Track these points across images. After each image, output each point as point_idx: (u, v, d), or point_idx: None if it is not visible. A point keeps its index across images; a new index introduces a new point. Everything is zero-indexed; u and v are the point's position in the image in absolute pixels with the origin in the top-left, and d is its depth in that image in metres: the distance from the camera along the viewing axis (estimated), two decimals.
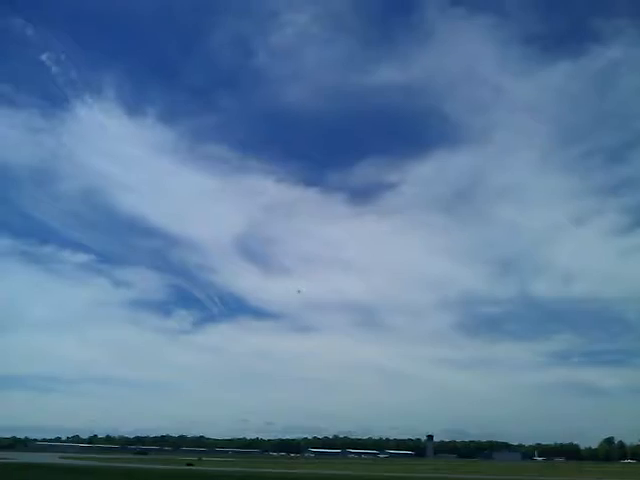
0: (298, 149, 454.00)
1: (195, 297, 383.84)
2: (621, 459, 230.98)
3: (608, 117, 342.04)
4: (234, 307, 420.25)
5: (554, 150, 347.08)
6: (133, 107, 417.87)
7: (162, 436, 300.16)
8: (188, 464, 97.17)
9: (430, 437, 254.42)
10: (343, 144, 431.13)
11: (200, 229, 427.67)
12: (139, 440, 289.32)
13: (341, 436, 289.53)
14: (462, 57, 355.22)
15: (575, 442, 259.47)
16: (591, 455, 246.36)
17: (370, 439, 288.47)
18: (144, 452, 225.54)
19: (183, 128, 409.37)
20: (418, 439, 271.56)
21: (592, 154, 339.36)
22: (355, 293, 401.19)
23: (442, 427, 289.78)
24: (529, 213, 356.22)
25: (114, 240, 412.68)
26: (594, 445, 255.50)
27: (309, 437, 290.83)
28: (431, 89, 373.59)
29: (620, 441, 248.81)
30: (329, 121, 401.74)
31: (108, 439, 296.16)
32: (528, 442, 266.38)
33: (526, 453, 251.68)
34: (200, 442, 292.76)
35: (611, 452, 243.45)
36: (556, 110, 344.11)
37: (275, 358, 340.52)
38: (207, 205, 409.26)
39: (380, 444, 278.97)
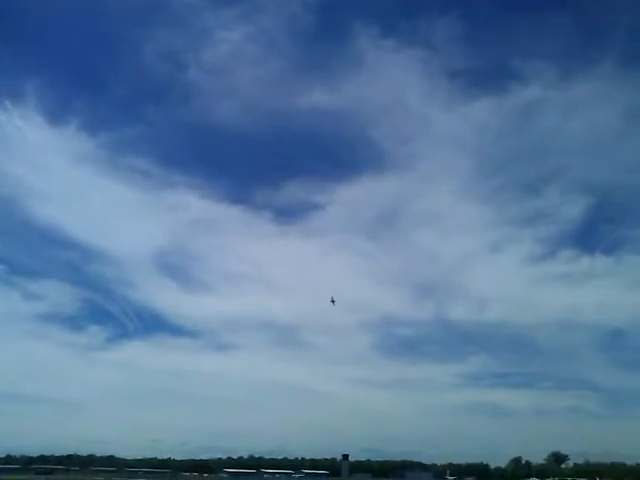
0: (225, 166, 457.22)
1: (110, 312, 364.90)
2: (527, 477, 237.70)
3: (525, 152, 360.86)
4: (151, 324, 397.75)
5: (474, 181, 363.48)
6: (55, 115, 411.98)
7: (69, 455, 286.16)
8: None
9: (345, 457, 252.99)
10: (271, 163, 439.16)
11: (118, 242, 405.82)
12: (43, 459, 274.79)
13: (256, 456, 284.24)
14: (390, 87, 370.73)
15: (485, 462, 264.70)
16: (500, 474, 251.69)
17: (285, 459, 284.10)
18: (49, 472, 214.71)
19: (106, 139, 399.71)
20: (334, 458, 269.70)
21: (509, 186, 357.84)
22: (277, 312, 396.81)
23: (359, 446, 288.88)
24: (448, 240, 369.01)
25: (28, 251, 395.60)
26: (503, 464, 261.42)
27: (223, 457, 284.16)
28: (360, 115, 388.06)
29: (527, 460, 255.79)
30: (258, 140, 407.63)
31: (9, 459, 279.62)
32: (441, 461, 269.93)
33: (438, 472, 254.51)
34: (110, 462, 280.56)
35: (518, 471, 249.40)
36: (477, 143, 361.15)
37: (192, 376, 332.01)
38: (127, 218, 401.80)
39: (295, 464, 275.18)
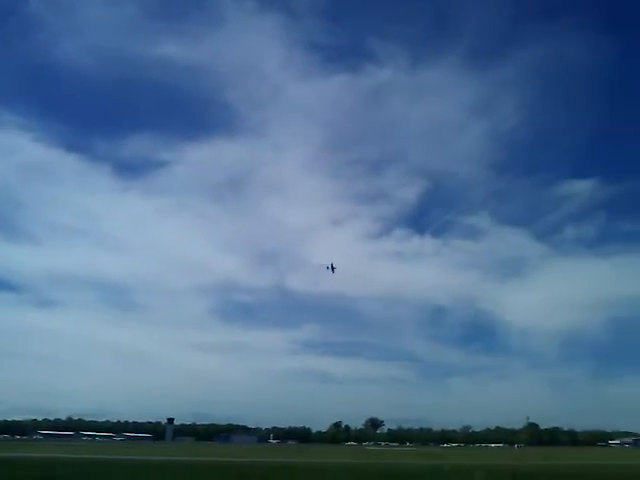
0: (63, 110, 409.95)
1: None
2: (345, 441, 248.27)
3: (373, 132, 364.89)
4: None
5: (322, 154, 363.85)
6: None
7: None
8: None
9: (170, 420, 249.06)
10: (115, 113, 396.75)
11: None
12: None
13: (76, 418, 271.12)
14: (249, 50, 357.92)
15: (308, 426, 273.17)
16: (321, 438, 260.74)
17: (108, 421, 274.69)
18: None
19: None
20: (159, 422, 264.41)
21: (355, 164, 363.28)
22: (109, 270, 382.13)
23: (186, 410, 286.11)
24: (293, 210, 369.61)
25: None
26: (324, 429, 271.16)
27: (39, 419, 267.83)
28: (215, 75, 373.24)
29: (346, 425, 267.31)
30: (102, 86, 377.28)
31: None
32: (266, 425, 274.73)
33: (262, 436, 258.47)
34: None
35: (338, 435, 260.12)
36: (329, 118, 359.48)
37: (10, 332, 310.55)
38: None
39: (118, 427, 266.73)
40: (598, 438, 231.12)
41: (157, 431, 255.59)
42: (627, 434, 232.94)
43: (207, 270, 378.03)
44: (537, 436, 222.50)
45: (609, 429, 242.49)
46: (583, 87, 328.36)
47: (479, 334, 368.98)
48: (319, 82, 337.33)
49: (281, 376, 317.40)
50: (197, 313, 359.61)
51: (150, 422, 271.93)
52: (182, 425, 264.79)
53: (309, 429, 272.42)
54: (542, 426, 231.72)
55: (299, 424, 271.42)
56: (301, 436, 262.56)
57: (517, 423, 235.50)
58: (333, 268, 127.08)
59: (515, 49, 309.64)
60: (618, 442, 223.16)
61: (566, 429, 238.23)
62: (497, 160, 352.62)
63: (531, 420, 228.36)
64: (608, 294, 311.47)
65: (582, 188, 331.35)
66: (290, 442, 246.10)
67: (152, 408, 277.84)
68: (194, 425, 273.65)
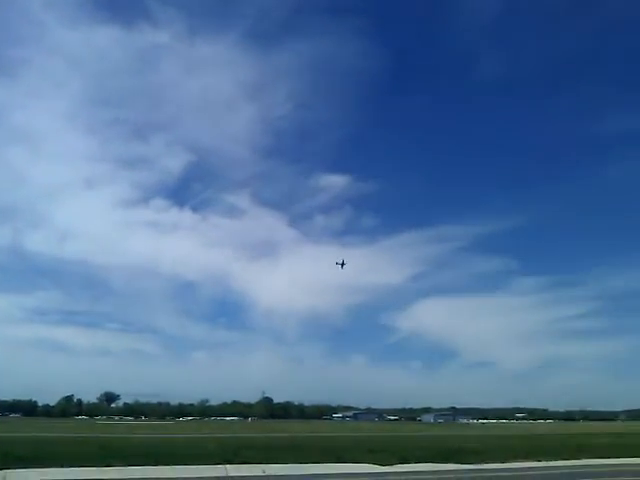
0: None
1: None
2: (77, 415, 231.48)
3: (142, 95, 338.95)
4: None
5: (84, 109, 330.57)
6: None
7: None
8: None
9: None
10: None
11: None
12: None
13: None
14: None
15: (34, 399, 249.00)
16: (48, 412, 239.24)
17: None
18: None
19: None
20: None
21: (119, 124, 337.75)
22: None
23: None
24: (41, 165, 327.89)
25: None
26: (53, 402, 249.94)
27: None
28: None
29: (79, 399, 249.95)
30: None
31: None
32: None
33: None
34: None
35: (69, 409, 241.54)
36: (96, 71, 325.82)
37: None
38: None
39: None
40: (324, 412, 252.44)
41: None
42: (349, 408, 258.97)
43: None
44: (271, 410, 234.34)
45: (334, 404, 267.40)
46: (351, 88, 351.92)
47: (226, 311, 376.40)
48: (88, 31, 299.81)
49: (7, 345, 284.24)
50: None
51: None
52: None
53: (35, 402, 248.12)
54: (276, 400, 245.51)
55: (25, 397, 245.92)
56: (26, 409, 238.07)
57: (253, 397, 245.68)
58: (343, 264, 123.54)
59: (293, 40, 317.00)
60: (340, 415, 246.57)
61: (297, 403, 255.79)
62: (263, 144, 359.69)
63: (266, 395, 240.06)
64: (347, 281, 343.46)
65: (335, 183, 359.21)
66: (13, 415, 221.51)
67: None
68: None
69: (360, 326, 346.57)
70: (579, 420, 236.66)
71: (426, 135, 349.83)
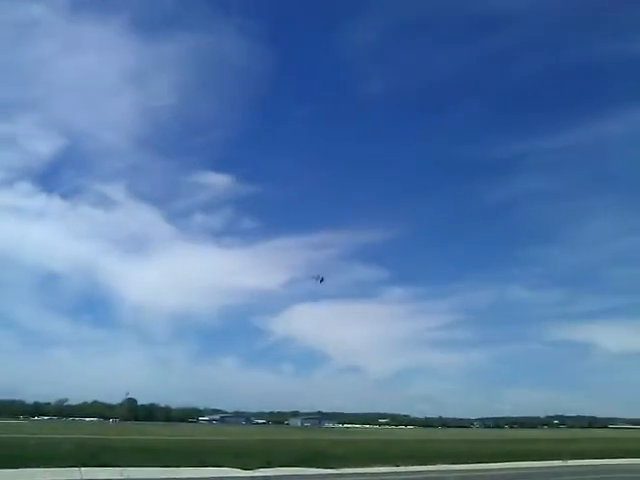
0: None
1: None
2: None
3: (14, 70, 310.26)
4: None
5: None
6: None
7: None
8: None
9: None
10: None
11: None
12: None
13: None
14: None
15: None
16: None
17: None
18: None
19: None
20: None
21: None
22: None
23: None
24: None
25: None
26: None
27: None
28: None
29: None
30: None
31: None
32: None
33: None
34: None
35: None
36: None
37: None
38: None
39: None
40: (191, 415, 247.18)
41: None
42: (217, 411, 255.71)
43: None
44: (135, 411, 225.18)
45: (202, 406, 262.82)
46: (239, 88, 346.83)
47: (92, 307, 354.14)
48: None
49: None
50: None
51: None
52: None
53: None
54: (141, 402, 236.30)
55: None
56: None
57: (117, 398, 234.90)
58: (322, 279, 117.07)
59: (181, 32, 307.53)
60: (208, 418, 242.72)
61: (163, 405, 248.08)
62: (143, 135, 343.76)
63: (130, 396, 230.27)
64: (222, 283, 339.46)
65: (218, 181, 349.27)
66: None
67: None
68: None
69: (233, 328, 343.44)
70: (437, 427, 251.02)
71: (310, 143, 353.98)
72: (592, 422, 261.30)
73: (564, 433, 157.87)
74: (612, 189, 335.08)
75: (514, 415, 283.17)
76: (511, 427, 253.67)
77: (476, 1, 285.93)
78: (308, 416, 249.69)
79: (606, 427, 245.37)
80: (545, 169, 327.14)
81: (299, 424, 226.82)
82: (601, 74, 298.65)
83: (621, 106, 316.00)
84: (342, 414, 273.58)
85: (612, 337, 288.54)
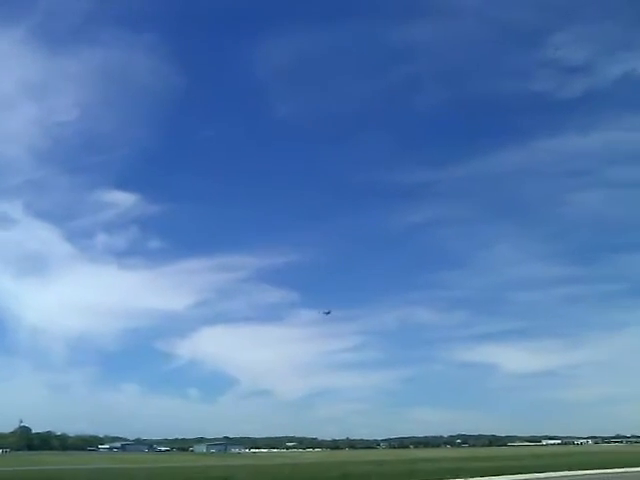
0: None
1: None
2: None
3: None
4: None
5: None
6: None
7: None
8: None
9: None
10: None
11: None
12: None
13: None
14: None
15: None
16: None
17: None
18: None
19: None
20: None
21: None
22: None
23: None
24: None
25: None
26: None
27: None
28: None
29: None
30: None
31: None
32: None
33: None
34: None
35: None
36: None
37: None
38: None
39: None
40: (89, 443, 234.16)
41: None
42: (117, 439, 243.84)
43: None
44: (28, 440, 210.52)
45: (102, 434, 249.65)
46: (145, 106, 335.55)
47: None
48: None
49: None
50: None
51: None
52: None
53: None
54: (35, 430, 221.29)
55: None
56: None
57: (9, 427, 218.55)
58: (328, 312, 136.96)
59: (89, 47, 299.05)
60: (108, 447, 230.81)
61: (59, 433, 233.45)
62: (42, 150, 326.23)
63: (24, 424, 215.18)
64: (125, 305, 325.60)
65: (122, 200, 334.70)
66: None
67: None
68: None
69: (136, 352, 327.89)
70: (345, 448, 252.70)
71: (220, 164, 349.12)
72: (493, 440, 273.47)
73: (464, 452, 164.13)
74: (514, 217, 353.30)
75: (419, 435, 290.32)
76: (416, 447, 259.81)
77: (388, 32, 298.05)
78: (214, 442, 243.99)
79: (505, 445, 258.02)
80: (450, 197, 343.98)
81: (204, 450, 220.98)
82: (502, 108, 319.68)
83: (521, 139, 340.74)
84: (249, 439, 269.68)
85: (511, 358, 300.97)
